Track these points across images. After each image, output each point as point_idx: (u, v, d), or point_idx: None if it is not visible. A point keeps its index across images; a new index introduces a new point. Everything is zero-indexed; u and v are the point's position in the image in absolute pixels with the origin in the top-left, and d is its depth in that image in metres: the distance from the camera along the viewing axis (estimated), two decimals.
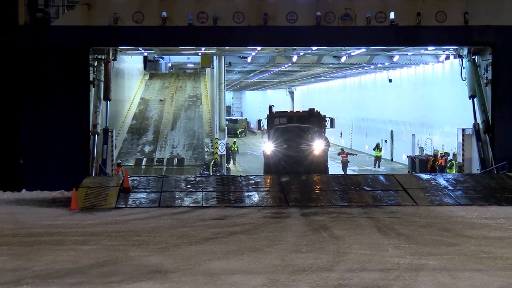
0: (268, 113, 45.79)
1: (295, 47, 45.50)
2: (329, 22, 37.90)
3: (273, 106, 46.94)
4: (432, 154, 47.65)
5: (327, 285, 17.22)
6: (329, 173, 42.30)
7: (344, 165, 51.85)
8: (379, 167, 56.00)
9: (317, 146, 40.75)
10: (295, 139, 40.83)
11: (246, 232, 24.98)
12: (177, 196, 33.01)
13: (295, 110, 55.99)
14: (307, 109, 46.25)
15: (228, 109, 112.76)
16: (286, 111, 48.63)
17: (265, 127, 46.37)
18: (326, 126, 44.97)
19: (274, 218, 28.48)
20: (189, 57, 60.86)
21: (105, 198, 32.12)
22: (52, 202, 32.50)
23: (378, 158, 56.58)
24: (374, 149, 57.38)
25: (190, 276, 17.77)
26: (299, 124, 42.12)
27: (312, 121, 43.53)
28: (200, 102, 60.63)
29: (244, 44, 42.89)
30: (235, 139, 64.57)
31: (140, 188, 34.00)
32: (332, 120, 46.22)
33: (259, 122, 49.28)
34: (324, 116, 45.33)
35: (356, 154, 59.32)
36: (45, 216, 28.48)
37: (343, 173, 49.64)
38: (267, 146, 42.02)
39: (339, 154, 54.29)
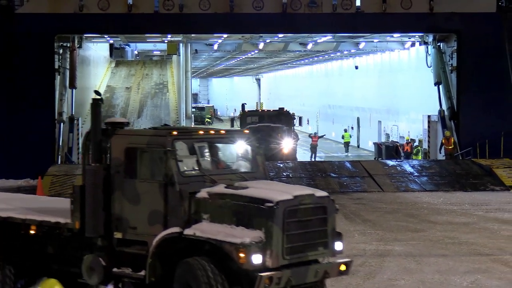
0: (240, 112, 47.59)
1: (261, 35, 45.48)
2: (295, 9, 37.89)
3: (245, 104, 48.87)
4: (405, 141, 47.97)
5: None
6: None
7: (313, 148, 52.22)
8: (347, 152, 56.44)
9: (286, 145, 41.77)
10: (265, 138, 41.41)
11: None
12: None
13: (266, 109, 57.85)
14: (277, 108, 48.05)
15: (195, 97, 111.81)
16: (258, 110, 51.17)
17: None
18: (294, 124, 46.84)
19: None
20: (155, 45, 60.53)
21: (71, 187, 31.87)
22: (18, 191, 32.14)
23: (347, 144, 56.99)
24: (342, 137, 57.74)
25: None
26: (270, 124, 43.06)
27: (282, 119, 45.29)
28: (167, 89, 60.26)
29: (210, 32, 42.78)
30: None
31: None
32: (300, 118, 49.15)
33: (232, 120, 51.65)
34: (293, 115, 47.38)
35: (324, 135, 60.01)
36: None
37: (311, 156, 50.53)
38: None
39: (310, 136, 54.81)
